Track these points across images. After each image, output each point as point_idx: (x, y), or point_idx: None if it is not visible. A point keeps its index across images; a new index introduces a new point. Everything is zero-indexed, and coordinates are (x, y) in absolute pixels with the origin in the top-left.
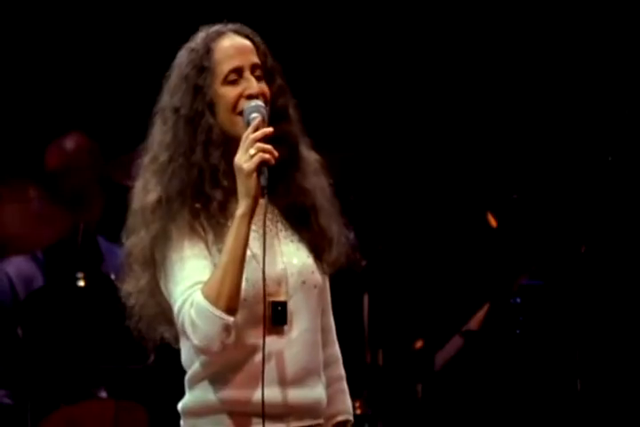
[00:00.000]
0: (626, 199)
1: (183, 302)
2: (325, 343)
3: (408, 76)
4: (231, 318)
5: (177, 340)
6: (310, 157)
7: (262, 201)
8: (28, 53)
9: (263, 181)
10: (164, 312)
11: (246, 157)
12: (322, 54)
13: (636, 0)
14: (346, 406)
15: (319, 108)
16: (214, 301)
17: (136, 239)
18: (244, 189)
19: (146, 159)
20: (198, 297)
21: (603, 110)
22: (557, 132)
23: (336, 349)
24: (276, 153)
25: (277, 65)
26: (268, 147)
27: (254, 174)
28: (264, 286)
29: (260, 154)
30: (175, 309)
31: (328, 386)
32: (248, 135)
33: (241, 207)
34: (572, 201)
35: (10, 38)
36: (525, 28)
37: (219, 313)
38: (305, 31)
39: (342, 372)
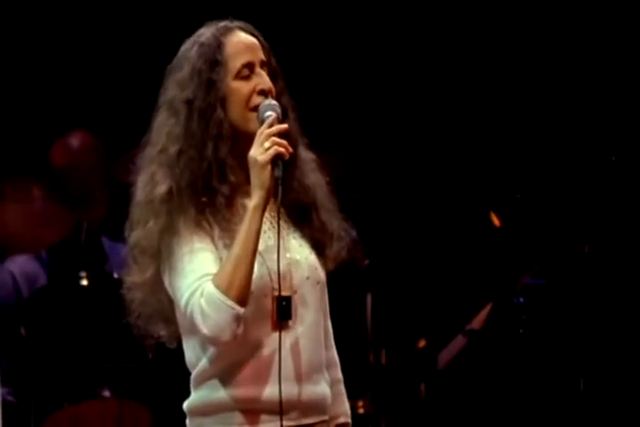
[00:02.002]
0: (629, 199)
1: (192, 293)
2: (324, 347)
3: (411, 75)
4: (242, 309)
5: (173, 339)
6: (307, 156)
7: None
8: (32, 52)
9: (278, 173)
10: (163, 310)
11: (261, 150)
12: (323, 53)
13: (636, 0)
14: (345, 408)
15: (322, 107)
16: (225, 290)
17: (142, 231)
18: (258, 180)
19: (152, 151)
20: (209, 287)
21: (606, 110)
22: (561, 132)
23: (334, 353)
24: (290, 149)
25: (278, 66)
26: (283, 141)
27: (269, 166)
28: (279, 280)
29: (276, 147)
30: (183, 300)
31: (330, 387)
32: (263, 130)
33: (254, 199)
34: (576, 201)
35: (12, 38)
36: (528, 28)
37: (230, 303)
38: (305, 31)
39: (340, 375)
